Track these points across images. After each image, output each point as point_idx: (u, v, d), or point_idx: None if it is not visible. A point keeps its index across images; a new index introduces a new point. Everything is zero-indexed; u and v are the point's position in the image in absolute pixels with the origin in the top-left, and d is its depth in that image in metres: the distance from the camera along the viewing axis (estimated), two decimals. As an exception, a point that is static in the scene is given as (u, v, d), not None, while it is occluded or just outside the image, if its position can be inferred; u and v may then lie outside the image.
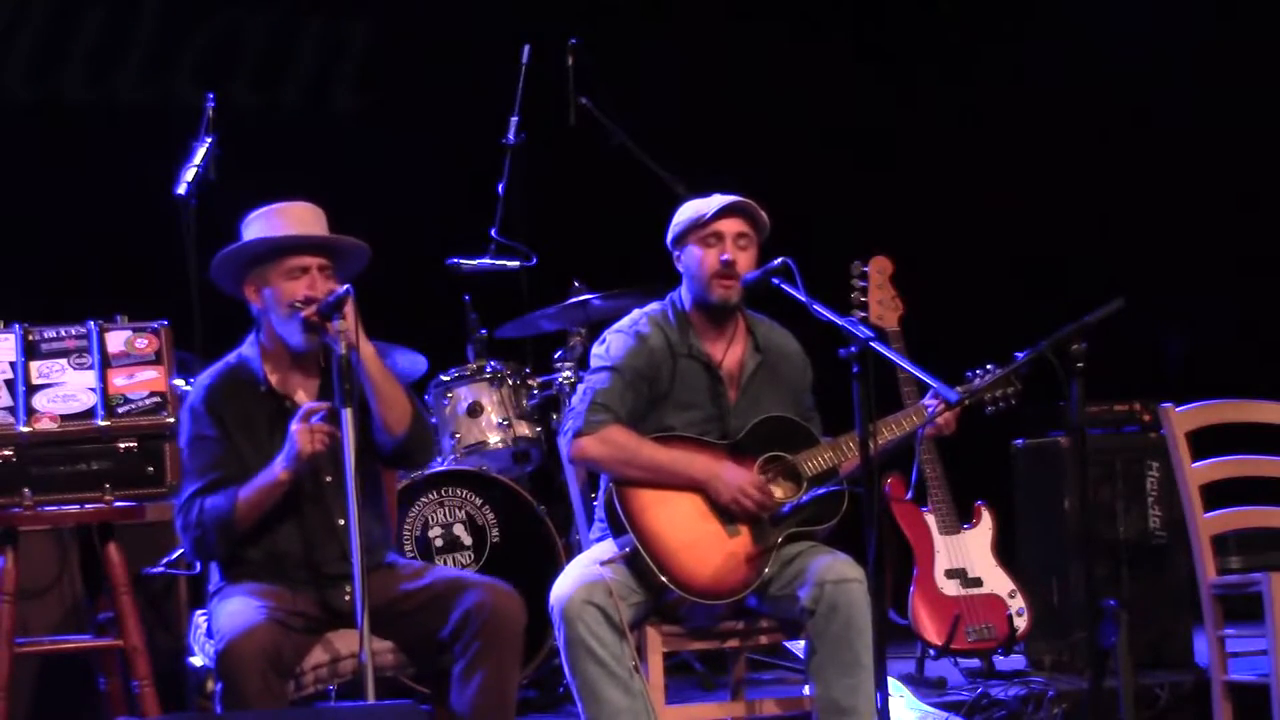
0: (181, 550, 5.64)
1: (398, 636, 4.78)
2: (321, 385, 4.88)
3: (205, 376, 4.94)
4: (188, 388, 5.60)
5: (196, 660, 4.96)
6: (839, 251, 5.85)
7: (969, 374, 5.31)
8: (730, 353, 5.22)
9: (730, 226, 5.12)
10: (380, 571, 4.82)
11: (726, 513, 5.04)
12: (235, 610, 4.62)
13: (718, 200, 5.15)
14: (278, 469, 4.73)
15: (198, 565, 5.02)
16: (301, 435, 4.70)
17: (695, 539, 4.99)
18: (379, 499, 5.01)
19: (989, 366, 5.27)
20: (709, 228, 5.12)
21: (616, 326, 5.24)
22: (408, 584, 4.80)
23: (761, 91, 8.46)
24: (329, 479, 4.82)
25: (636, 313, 5.26)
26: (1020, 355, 4.99)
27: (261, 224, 4.89)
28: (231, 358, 4.96)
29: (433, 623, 4.73)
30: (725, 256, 5.10)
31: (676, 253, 5.22)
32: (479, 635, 4.66)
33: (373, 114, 8.11)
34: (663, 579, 4.92)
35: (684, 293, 5.24)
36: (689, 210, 5.19)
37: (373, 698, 4.50)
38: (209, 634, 4.70)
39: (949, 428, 5.22)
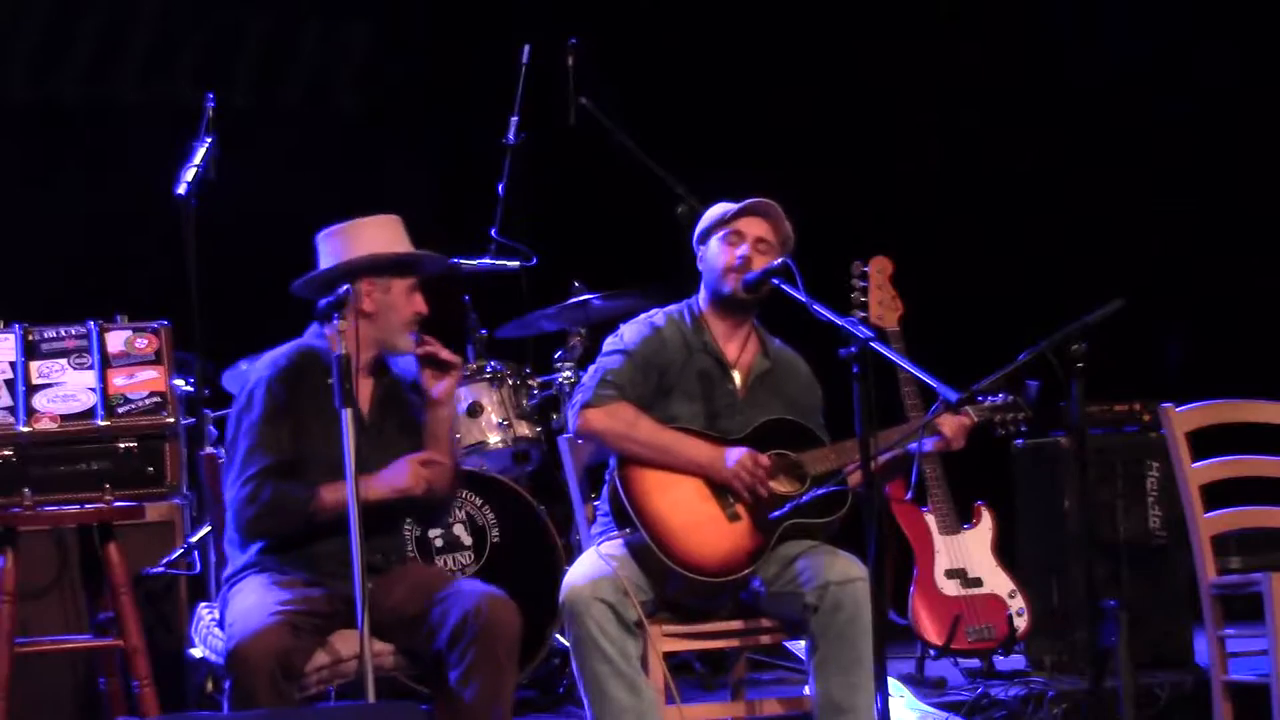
0: (180, 551, 5.65)
1: (395, 640, 4.79)
2: (379, 393, 4.90)
3: (278, 355, 4.85)
4: (188, 388, 5.62)
5: (197, 652, 4.96)
6: (839, 251, 5.85)
7: (980, 398, 5.26)
8: (742, 355, 5.25)
9: (752, 227, 5.17)
10: (398, 570, 4.85)
11: (726, 499, 5.06)
12: (249, 607, 4.60)
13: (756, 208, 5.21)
14: (372, 490, 4.73)
15: (228, 547, 4.97)
16: (413, 473, 4.76)
17: (697, 521, 5.01)
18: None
19: (1001, 395, 5.23)
20: (732, 225, 5.17)
21: (633, 320, 5.30)
22: (407, 590, 4.80)
23: (761, 91, 8.46)
24: (375, 469, 4.82)
25: (654, 310, 5.32)
26: (1034, 383, 5.00)
27: (376, 234, 4.89)
28: (300, 343, 4.87)
29: (428, 631, 4.73)
30: (745, 249, 5.14)
31: (700, 250, 5.27)
32: (474, 644, 4.66)
33: (373, 114, 8.11)
34: (662, 557, 4.93)
35: (701, 295, 5.27)
36: (717, 209, 5.26)
37: (373, 698, 4.51)
38: (220, 624, 4.68)
39: (957, 443, 5.18)
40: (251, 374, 4.86)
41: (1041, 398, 5.08)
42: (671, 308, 5.31)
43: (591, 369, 5.22)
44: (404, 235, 4.95)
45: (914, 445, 5.18)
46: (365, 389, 4.91)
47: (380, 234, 4.90)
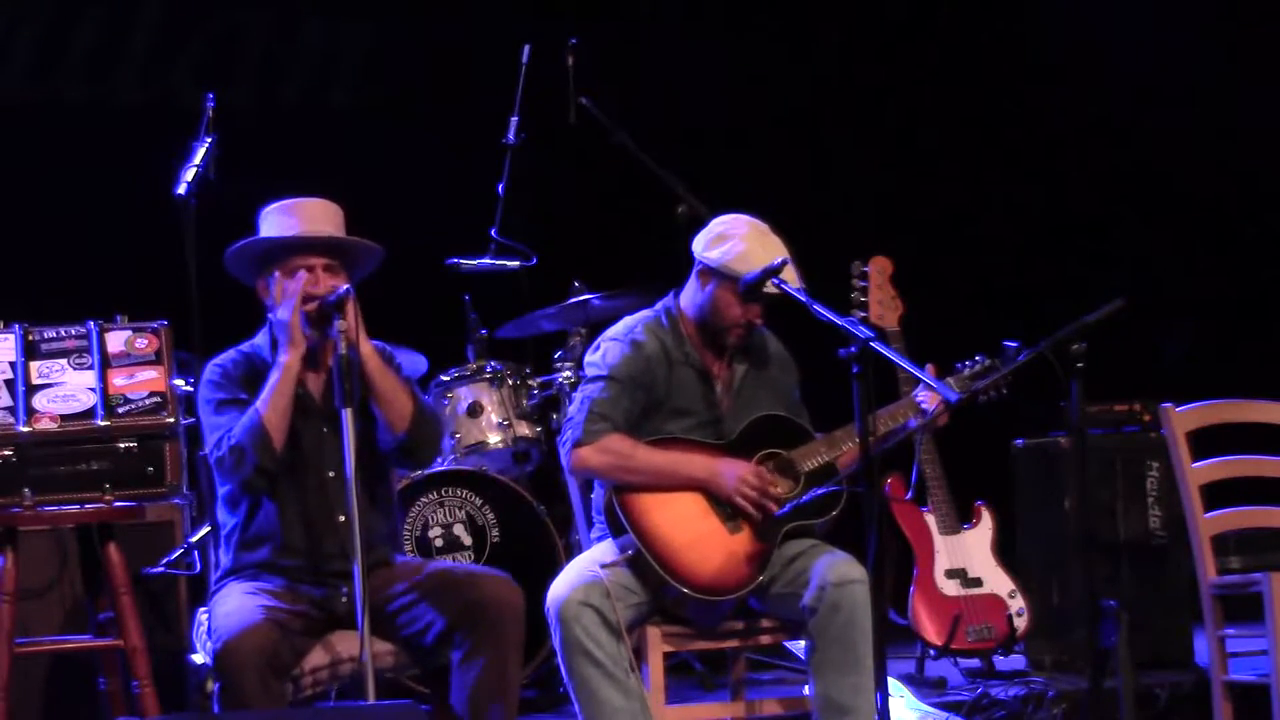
0: (180, 551, 5.66)
1: (395, 633, 4.78)
2: (329, 379, 4.88)
3: (221, 359, 4.96)
4: (188, 388, 5.62)
5: (198, 658, 4.97)
6: (839, 251, 5.84)
7: (958, 365, 5.32)
8: (722, 360, 5.22)
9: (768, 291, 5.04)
10: (380, 570, 4.82)
11: (726, 510, 5.05)
12: (233, 609, 4.63)
13: (774, 255, 5.01)
14: (280, 357, 4.77)
15: (221, 520, 4.98)
16: (282, 299, 4.77)
17: (697, 537, 5.00)
18: (384, 496, 5.01)
19: (978, 358, 5.28)
20: (759, 293, 5.02)
21: (610, 334, 5.22)
22: (404, 581, 4.81)
23: (762, 91, 8.46)
24: (331, 474, 4.83)
25: (630, 320, 5.24)
26: (1011, 344, 5.00)
27: (274, 220, 4.90)
28: (245, 346, 4.98)
29: (431, 616, 4.73)
30: (759, 324, 5.13)
31: (705, 266, 5.11)
32: (478, 625, 4.67)
33: (373, 114, 8.11)
34: (667, 578, 4.92)
35: (685, 302, 5.21)
36: (744, 251, 5.02)
37: (373, 698, 4.51)
38: (209, 633, 4.70)
39: (942, 419, 5.22)
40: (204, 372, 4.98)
41: (1032, 374, 5.08)
42: (647, 315, 5.23)
43: (577, 398, 5.16)
44: (301, 218, 4.90)
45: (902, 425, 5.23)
46: (318, 380, 4.91)
47: (276, 223, 4.90)
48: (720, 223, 5.15)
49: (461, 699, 4.68)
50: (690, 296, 5.20)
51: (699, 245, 5.15)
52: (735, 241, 5.07)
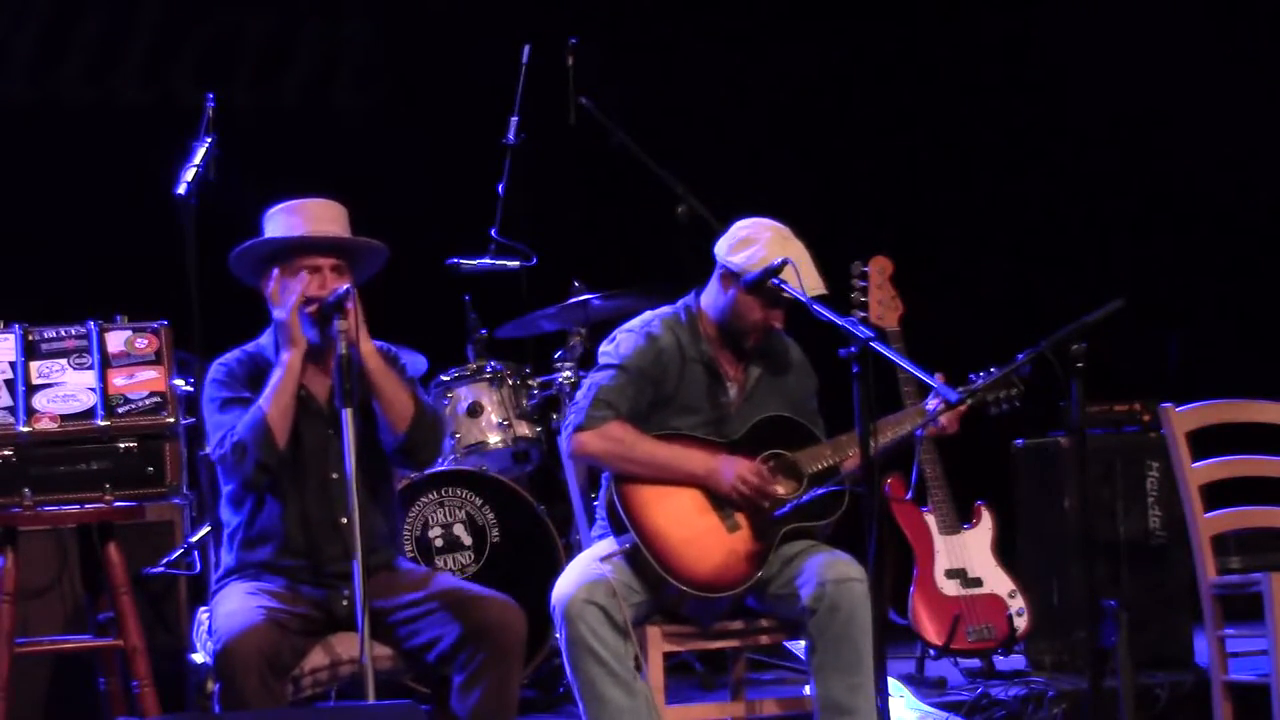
0: (180, 551, 5.66)
1: (397, 644, 4.79)
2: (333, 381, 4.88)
3: (226, 358, 4.95)
4: (188, 388, 5.63)
5: (198, 657, 4.97)
6: (839, 251, 5.84)
7: (973, 376, 5.30)
8: (738, 361, 5.22)
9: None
10: (383, 574, 4.82)
11: (727, 508, 5.05)
12: (234, 609, 4.63)
13: (803, 268, 5.00)
14: (281, 355, 4.77)
15: (224, 522, 4.98)
16: (281, 299, 4.77)
17: (696, 534, 5.00)
18: (386, 498, 5.01)
19: (992, 369, 5.27)
20: (782, 295, 5.01)
21: (628, 325, 5.23)
22: (409, 593, 4.80)
23: (762, 91, 8.46)
24: (334, 475, 4.82)
25: (649, 314, 5.25)
26: (1021, 355, 5.00)
27: (280, 220, 4.89)
28: (249, 346, 4.97)
29: (436, 633, 4.73)
30: (778, 327, 5.13)
31: (728, 270, 5.10)
32: (481, 650, 4.66)
33: (372, 114, 8.11)
34: (664, 574, 4.92)
35: (706, 303, 5.20)
36: (767, 257, 5.00)
37: (373, 698, 4.51)
38: (210, 632, 4.70)
39: (952, 427, 5.20)
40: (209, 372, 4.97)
41: (1032, 374, 5.08)
42: (666, 311, 5.24)
43: (585, 385, 5.16)
44: (306, 218, 4.89)
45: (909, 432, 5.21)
46: (323, 381, 4.89)
47: (283, 224, 4.90)
48: (744, 226, 5.14)
49: (461, 715, 4.69)
50: (712, 298, 5.19)
51: (722, 249, 5.15)
52: (759, 247, 5.05)
